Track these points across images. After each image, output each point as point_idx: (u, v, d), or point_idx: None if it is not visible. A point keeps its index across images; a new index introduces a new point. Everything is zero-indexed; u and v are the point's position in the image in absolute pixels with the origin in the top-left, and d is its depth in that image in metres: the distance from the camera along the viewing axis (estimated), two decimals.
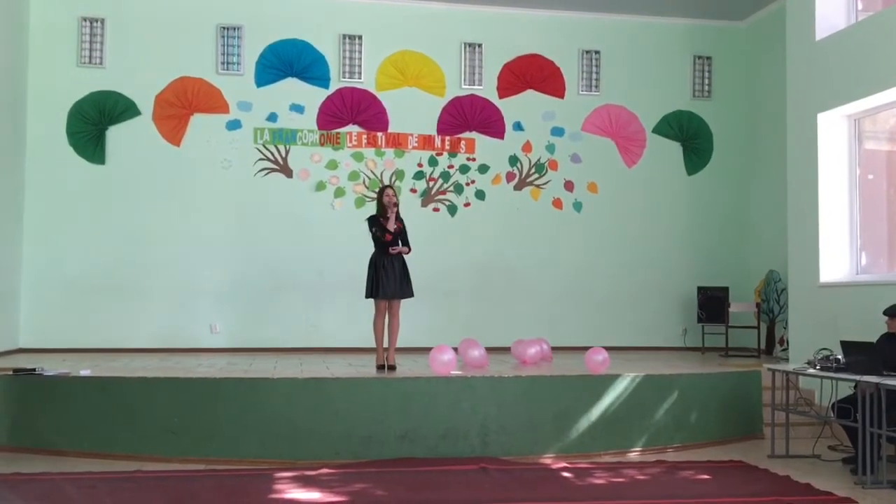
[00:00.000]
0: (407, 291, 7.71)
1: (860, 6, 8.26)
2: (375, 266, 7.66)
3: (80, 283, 9.91)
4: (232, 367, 7.95)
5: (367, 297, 7.73)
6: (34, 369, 6.87)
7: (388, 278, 7.58)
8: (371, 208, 10.40)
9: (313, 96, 10.55)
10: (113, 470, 6.10)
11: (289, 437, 6.52)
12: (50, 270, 9.87)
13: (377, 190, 8.64)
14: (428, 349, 8.83)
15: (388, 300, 7.65)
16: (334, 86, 10.61)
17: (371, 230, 7.74)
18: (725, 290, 10.54)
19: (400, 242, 7.68)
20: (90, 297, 9.91)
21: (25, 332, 9.76)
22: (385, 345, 7.77)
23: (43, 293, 9.84)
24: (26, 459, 6.32)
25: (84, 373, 6.91)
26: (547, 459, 6.75)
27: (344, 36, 10.64)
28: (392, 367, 7.64)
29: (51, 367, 7.24)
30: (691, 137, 11.35)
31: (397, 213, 7.70)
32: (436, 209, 10.72)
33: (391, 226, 7.61)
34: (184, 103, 10.29)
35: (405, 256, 7.76)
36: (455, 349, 7.74)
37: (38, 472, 5.93)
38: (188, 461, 6.36)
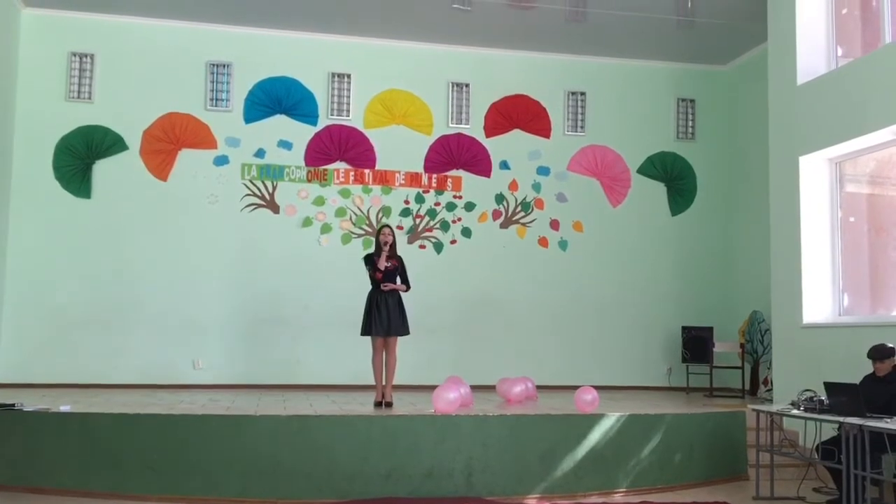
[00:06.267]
0: (399, 329, 7.74)
1: (840, 52, 8.42)
2: (370, 303, 7.74)
3: (61, 317, 9.83)
4: (214, 404, 7.87)
5: (361, 334, 7.79)
6: (13, 404, 6.77)
7: (380, 316, 7.64)
8: (358, 245, 10.46)
9: (301, 133, 10.61)
10: None
11: (271, 475, 6.44)
12: (32, 304, 9.79)
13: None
14: (413, 387, 8.79)
15: (381, 337, 7.68)
16: (322, 123, 10.68)
17: (367, 268, 7.83)
18: (710, 329, 10.58)
19: (398, 280, 7.79)
20: (72, 332, 9.82)
21: (5, 367, 9.63)
22: (383, 381, 7.78)
23: (24, 327, 9.75)
24: (3, 496, 6.20)
25: (64, 408, 6.81)
26: (531, 500, 6.69)
27: (332, 74, 10.74)
28: (389, 404, 7.66)
29: (30, 402, 7.14)
30: (675, 178, 11.47)
31: (393, 251, 7.80)
32: (422, 246, 10.74)
33: (381, 264, 7.70)
34: (171, 138, 10.31)
35: (403, 294, 7.81)
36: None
37: None
38: (168, 499, 6.26)
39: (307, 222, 10.53)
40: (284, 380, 10.12)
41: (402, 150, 10.80)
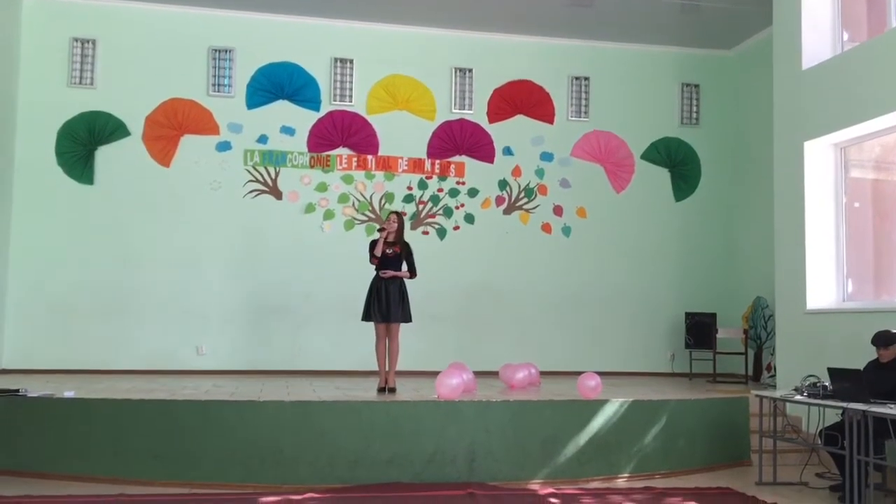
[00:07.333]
0: (398, 316, 7.73)
1: (846, 37, 8.36)
2: (371, 289, 7.76)
3: (65, 303, 9.84)
4: (217, 390, 7.89)
5: (361, 319, 7.81)
6: (17, 390, 6.80)
7: (380, 302, 7.66)
8: (360, 231, 10.46)
9: (304, 119, 10.58)
10: (96, 493, 6.01)
11: (274, 461, 6.45)
12: (35, 290, 9.80)
13: None
14: (416, 372, 8.81)
15: (382, 323, 7.69)
16: (325, 108, 10.65)
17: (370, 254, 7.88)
18: (713, 315, 10.56)
19: (403, 266, 7.80)
20: (76, 318, 9.84)
21: (9, 353, 9.67)
22: (386, 367, 7.80)
23: (28, 313, 9.76)
24: (8, 482, 6.22)
25: (68, 394, 6.84)
26: (534, 485, 6.70)
27: (335, 59, 10.69)
28: (392, 390, 7.68)
29: (34, 388, 7.17)
30: (679, 164, 11.43)
31: (398, 237, 7.81)
32: (425, 232, 10.72)
33: (378, 250, 7.72)
34: (174, 124, 10.29)
35: (407, 281, 7.81)
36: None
37: (19, 496, 5.84)
38: (172, 485, 6.28)
39: (310, 208, 10.52)
40: (288, 366, 10.14)
41: (404, 135, 10.77)
